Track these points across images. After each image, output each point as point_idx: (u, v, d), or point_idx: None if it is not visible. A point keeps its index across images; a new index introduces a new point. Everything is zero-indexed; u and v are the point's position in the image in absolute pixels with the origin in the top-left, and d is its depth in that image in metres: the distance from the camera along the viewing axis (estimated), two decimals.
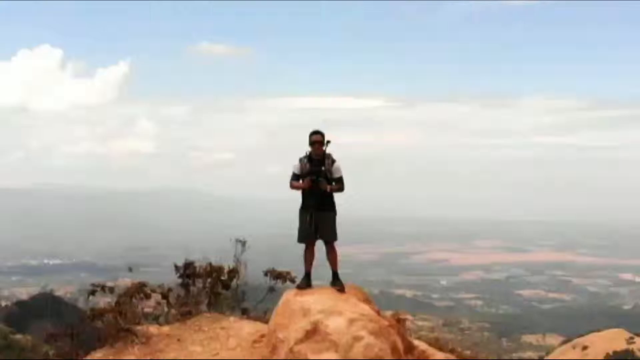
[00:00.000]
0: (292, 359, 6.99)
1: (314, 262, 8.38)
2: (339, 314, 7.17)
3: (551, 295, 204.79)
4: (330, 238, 8.15)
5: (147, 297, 9.87)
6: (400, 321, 8.46)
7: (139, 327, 9.08)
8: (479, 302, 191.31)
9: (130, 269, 11.36)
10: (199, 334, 9.04)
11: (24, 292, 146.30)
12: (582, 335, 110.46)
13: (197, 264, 10.30)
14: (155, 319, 10.03)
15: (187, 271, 10.23)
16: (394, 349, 7.34)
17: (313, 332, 7.03)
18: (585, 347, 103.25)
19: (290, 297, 7.80)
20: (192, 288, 10.30)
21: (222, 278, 10.33)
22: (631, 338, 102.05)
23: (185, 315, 9.66)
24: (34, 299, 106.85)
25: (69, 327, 9.50)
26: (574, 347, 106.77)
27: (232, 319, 9.65)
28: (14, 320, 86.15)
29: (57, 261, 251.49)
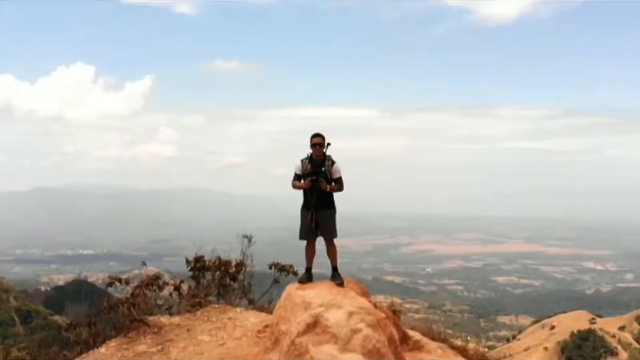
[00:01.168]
0: (294, 350, 6.48)
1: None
2: (338, 308, 6.68)
3: (523, 281, 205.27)
4: (330, 235, 7.68)
5: (161, 288, 9.38)
6: (395, 312, 7.99)
7: (151, 318, 8.62)
8: (460, 287, 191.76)
9: (143, 263, 10.87)
10: (208, 324, 8.57)
11: (61, 279, 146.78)
12: (550, 317, 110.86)
13: (206, 258, 9.88)
14: (168, 309, 9.54)
15: (198, 264, 9.80)
16: (391, 340, 6.86)
17: (314, 325, 6.54)
18: (552, 327, 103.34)
19: (292, 291, 7.30)
20: (202, 280, 9.85)
21: (230, 271, 9.87)
22: (593, 319, 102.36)
23: (195, 306, 9.18)
24: (70, 284, 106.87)
25: (87, 317, 8.99)
26: (543, 327, 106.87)
27: (238, 309, 9.19)
28: (52, 303, 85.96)
29: (89, 251, 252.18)
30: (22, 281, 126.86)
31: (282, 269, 10.12)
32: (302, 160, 7.64)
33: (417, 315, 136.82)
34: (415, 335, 7.89)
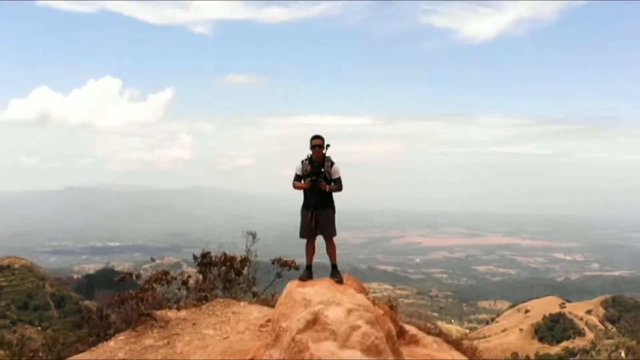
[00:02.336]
0: (294, 347, 5.85)
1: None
2: (337, 305, 6.06)
3: (500, 270, 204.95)
4: (329, 234, 7.03)
5: (169, 283, 8.76)
6: (393, 307, 7.36)
7: (158, 312, 7.99)
8: (445, 275, 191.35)
9: (152, 259, 10.31)
10: (213, 318, 7.94)
11: (91, 268, 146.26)
12: (524, 302, 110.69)
13: (212, 254, 9.25)
14: (176, 302, 8.90)
15: (204, 260, 9.17)
16: (389, 336, 6.22)
17: (313, 322, 5.91)
18: (527, 311, 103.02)
19: (293, 288, 6.61)
20: (209, 275, 9.21)
21: (235, 266, 9.23)
22: (563, 303, 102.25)
23: (202, 300, 8.55)
24: (99, 273, 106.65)
25: (99, 310, 8.37)
26: (518, 311, 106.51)
27: (242, 303, 8.53)
28: (83, 289, 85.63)
29: (116, 244, 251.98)
30: (57, 270, 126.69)
31: (285, 264, 9.49)
32: (302, 161, 7.03)
33: (407, 301, 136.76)
34: (411, 329, 7.27)
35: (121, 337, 7.56)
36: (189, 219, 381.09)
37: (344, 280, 6.87)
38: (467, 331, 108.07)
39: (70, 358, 7.45)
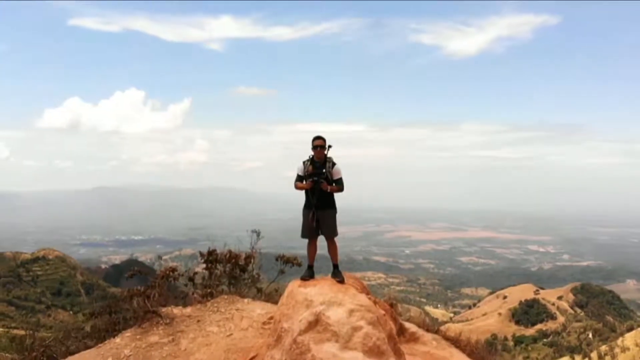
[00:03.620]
0: (295, 349, 5.13)
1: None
2: (339, 305, 5.31)
3: (481, 260, 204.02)
4: (331, 234, 6.26)
5: (176, 279, 8.02)
6: (392, 305, 6.61)
7: (164, 309, 7.21)
8: (432, 265, 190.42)
9: (159, 257, 9.55)
10: (217, 314, 7.16)
11: (117, 259, 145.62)
12: (502, 289, 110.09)
13: (218, 251, 8.49)
14: (183, 298, 8.15)
15: (210, 257, 8.40)
16: (390, 336, 5.47)
17: (315, 323, 5.17)
18: (505, 297, 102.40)
19: (295, 288, 5.91)
20: (214, 272, 8.46)
21: (240, 263, 8.48)
22: (537, 290, 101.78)
23: (207, 296, 7.78)
24: (124, 263, 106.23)
25: (107, 307, 7.63)
26: (497, 297, 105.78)
27: (246, 300, 7.73)
28: (110, 278, 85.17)
29: (140, 237, 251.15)
30: (86, 260, 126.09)
31: (287, 260, 8.75)
32: (304, 162, 6.23)
33: (398, 288, 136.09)
34: (411, 327, 6.52)
35: (127, 333, 6.84)
36: (205, 214, 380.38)
37: (346, 280, 6.13)
38: (452, 315, 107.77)
39: (78, 354, 6.75)
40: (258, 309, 7.22)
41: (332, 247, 6.32)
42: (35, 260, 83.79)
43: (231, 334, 6.57)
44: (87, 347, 6.99)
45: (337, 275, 6.17)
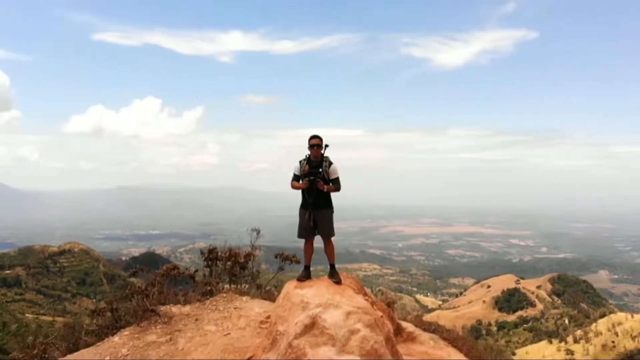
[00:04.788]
0: (291, 353, 4.48)
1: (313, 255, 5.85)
2: (336, 307, 4.66)
3: (467, 253, 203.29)
4: (327, 234, 5.59)
5: (177, 277, 7.38)
6: (390, 305, 5.96)
7: (162, 308, 6.54)
8: (422, 257, 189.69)
9: (167, 258, 8.85)
10: (215, 313, 6.49)
11: (136, 251, 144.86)
12: (486, 278, 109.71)
13: (218, 250, 7.83)
14: (184, 295, 7.50)
15: (211, 255, 7.75)
16: (388, 339, 4.81)
17: (311, 327, 4.52)
18: (488, 286, 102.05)
19: (291, 290, 5.23)
20: (214, 269, 7.81)
21: (240, 261, 7.82)
22: (517, 280, 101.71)
23: (206, 294, 7.11)
24: (143, 255, 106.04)
25: (109, 304, 6.99)
26: (481, 286, 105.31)
27: (244, 298, 7.04)
28: (130, 269, 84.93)
29: (157, 231, 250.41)
30: (109, 253, 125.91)
31: (286, 258, 8.10)
32: (300, 162, 5.53)
33: (391, 278, 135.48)
34: (408, 326, 5.84)
35: (126, 332, 6.20)
36: (216, 211, 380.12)
37: (343, 280, 5.46)
38: (440, 303, 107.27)
39: (77, 353, 6.13)
40: (256, 307, 6.56)
41: (329, 247, 5.64)
42: (62, 252, 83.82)
43: (228, 333, 5.93)
44: (88, 345, 6.38)
45: (334, 275, 5.50)
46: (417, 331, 5.74)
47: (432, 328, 6.05)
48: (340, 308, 4.65)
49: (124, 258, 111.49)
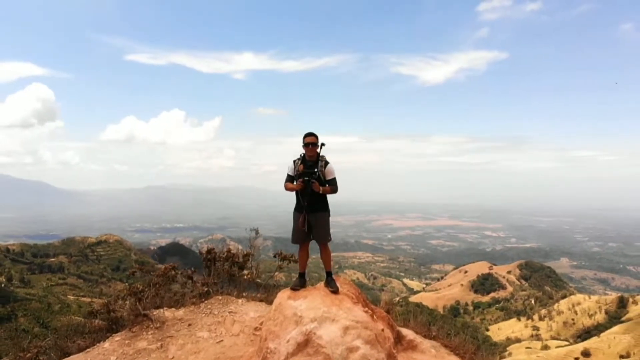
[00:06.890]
0: None
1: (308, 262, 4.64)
2: (332, 322, 3.54)
3: (447, 243, 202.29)
4: (323, 239, 4.33)
5: (173, 279, 6.29)
6: (390, 311, 4.83)
7: (155, 312, 5.40)
8: (409, 247, 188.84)
9: (173, 259, 7.76)
10: (209, 317, 5.32)
11: (162, 242, 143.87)
12: (464, 265, 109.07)
13: (217, 250, 6.72)
14: (182, 296, 6.39)
15: (209, 256, 6.65)
16: (390, 355, 3.69)
17: (305, 344, 3.41)
18: (466, 271, 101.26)
19: (283, 301, 4.02)
20: (213, 269, 6.71)
21: (238, 261, 6.73)
22: (490, 266, 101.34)
23: (202, 297, 5.99)
24: (169, 245, 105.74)
25: (106, 305, 5.90)
26: (459, 271, 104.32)
27: (240, 301, 5.88)
28: (157, 257, 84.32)
29: (180, 225, 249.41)
30: (139, 243, 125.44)
31: (285, 257, 7.00)
32: (294, 161, 4.31)
33: (382, 265, 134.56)
34: (408, 334, 4.69)
35: (117, 337, 5.11)
36: (232, 207, 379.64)
37: (340, 288, 4.25)
38: (424, 286, 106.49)
39: (68, 358, 5.06)
40: (251, 312, 5.42)
41: (325, 252, 4.43)
42: (99, 243, 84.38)
43: (221, 340, 4.84)
44: (80, 349, 5.30)
45: (331, 284, 4.29)
46: (418, 339, 4.61)
47: (433, 334, 4.94)
48: (337, 322, 3.53)
49: (152, 247, 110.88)
